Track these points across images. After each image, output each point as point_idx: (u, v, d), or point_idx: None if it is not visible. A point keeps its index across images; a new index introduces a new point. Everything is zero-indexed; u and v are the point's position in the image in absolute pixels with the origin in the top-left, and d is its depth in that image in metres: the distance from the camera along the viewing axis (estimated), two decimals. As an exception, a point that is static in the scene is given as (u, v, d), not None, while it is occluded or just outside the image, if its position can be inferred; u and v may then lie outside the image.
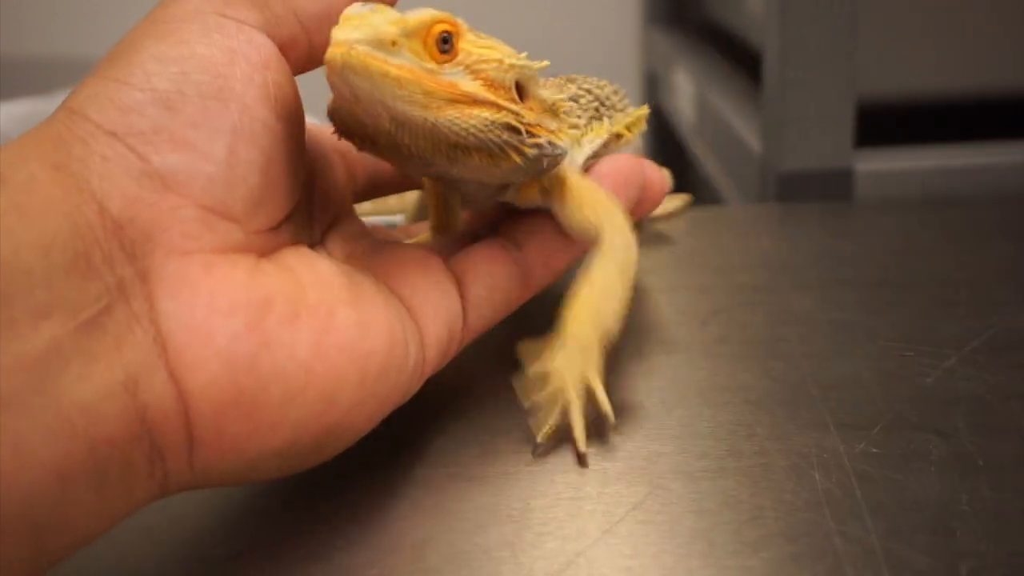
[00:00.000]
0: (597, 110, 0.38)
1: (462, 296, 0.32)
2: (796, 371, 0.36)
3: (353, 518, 0.29)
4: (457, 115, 0.28)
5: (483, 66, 0.29)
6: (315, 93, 0.33)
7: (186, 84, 0.26)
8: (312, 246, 0.31)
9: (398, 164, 0.32)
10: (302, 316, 0.26)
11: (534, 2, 1.23)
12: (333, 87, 0.28)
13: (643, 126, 0.40)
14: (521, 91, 0.31)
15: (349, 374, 0.27)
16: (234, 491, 0.30)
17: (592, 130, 0.37)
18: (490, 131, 0.29)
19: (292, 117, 0.29)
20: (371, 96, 0.28)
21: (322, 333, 0.26)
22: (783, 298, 0.43)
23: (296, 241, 0.30)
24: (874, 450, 0.30)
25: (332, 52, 0.27)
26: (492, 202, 0.35)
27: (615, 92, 0.40)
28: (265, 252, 0.28)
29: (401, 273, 0.31)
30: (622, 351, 0.38)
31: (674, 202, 0.53)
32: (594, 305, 0.31)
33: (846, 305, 0.42)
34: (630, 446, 0.31)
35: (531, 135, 0.30)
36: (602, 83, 0.39)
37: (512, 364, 0.33)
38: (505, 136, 0.29)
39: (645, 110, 0.40)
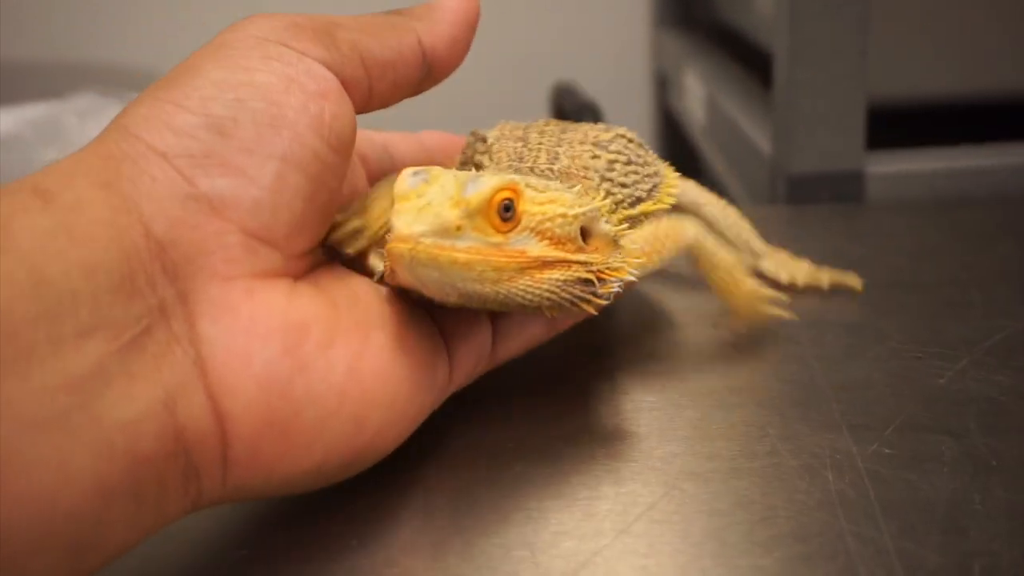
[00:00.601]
0: (637, 172, 0.35)
1: (492, 325, 0.33)
2: (807, 372, 0.36)
3: (369, 519, 0.29)
4: (529, 282, 0.28)
5: (548, 224, 0.28)
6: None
7: (241, 110, 0.26)
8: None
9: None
10: (338, 341, 0.27)
11: (545, 5, 1.23)
12: (397, 272, 0.28)
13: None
14: (584, 232, 0.30)
15: (380, 397, 0.28)
16: (240, 504, 0.31)
17: (643, 204, 0.35)
18: (563, 290, 0.29)
19: (343, 147, 0.29)
20: (440, 282, 0.27)
21: (356, 358, 0.27)
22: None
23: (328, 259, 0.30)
24: (886, 451, 0.30)
25: (398, 247, 0.27)
26: None
27: (634, 143, 0.37)
28: (301, 274, 0.28)
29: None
30: (634, 352, 0.38)
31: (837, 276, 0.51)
32: (739, 282, 0.37)
33: (856, 307, 0.42)
34: (644, 446, 0.32)
35: (603, 282, 0.30)
36: (612, 136, 0.36)
37: (522, 375, 0.33)
38: (577, 291, 0.29)
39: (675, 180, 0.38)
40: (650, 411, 0.34)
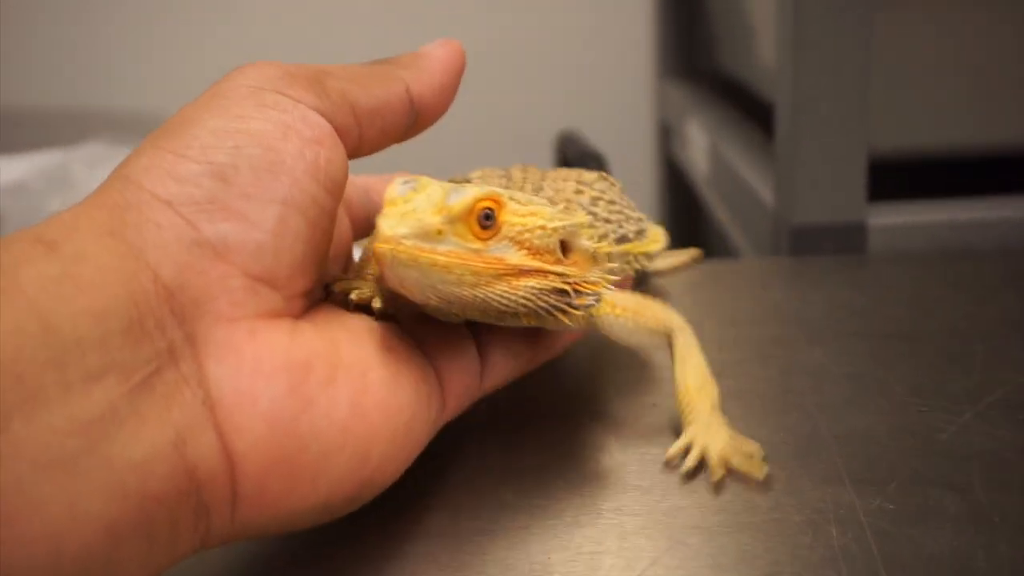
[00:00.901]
0: (621, 212, 0.38)
1: (481, 355, 0.34)
2: (810, 424, 0.36)
3: (370, 571, 0.29)
4: (506, 288, 0.29)
5: (527, 235, 0.30)
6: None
7: (240, 157, 0.27)
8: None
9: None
10: (339, 377, 0.27)
11: (550, 54, 1.25)
12: (383, 273, 0.29)
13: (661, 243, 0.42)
14: (564, 246, 0.31)
15: (382, 432, 0.28)
16: (247, 549, 0.31)
17: (630, 244, 0.38)
18: (539, 298, 0.30)
19: (337, 191, 0.30)
20: (420, 283, 0.29)
21: (358, 393, 0.28)
22: (796, 351, 0.43)
23: (320, 298, 0.31)
24: (890, 506, 0.31)
25: (381, 248, 0.28)
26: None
27: (615, 186, 0.40)
28: (300, 313, 0.29)
29: (426, 328, 0.32)
30: (637, 404, 0.38)
31: (681, 256, 0.54)
32: (704, 391, 0.34)
33: (859, 358, 0.42)
34: (648, 499, 0.32)
35: (579, 293, 0.31)
36: (596, 176, 0.39)
37: (523, 420, 0.33)
38: (552, 300, 0.30)
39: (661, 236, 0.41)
40: (654, 463, 0.34)
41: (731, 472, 0.33)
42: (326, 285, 0.32)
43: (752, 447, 0.33)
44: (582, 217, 0.32)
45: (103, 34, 1.24)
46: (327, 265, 0.30)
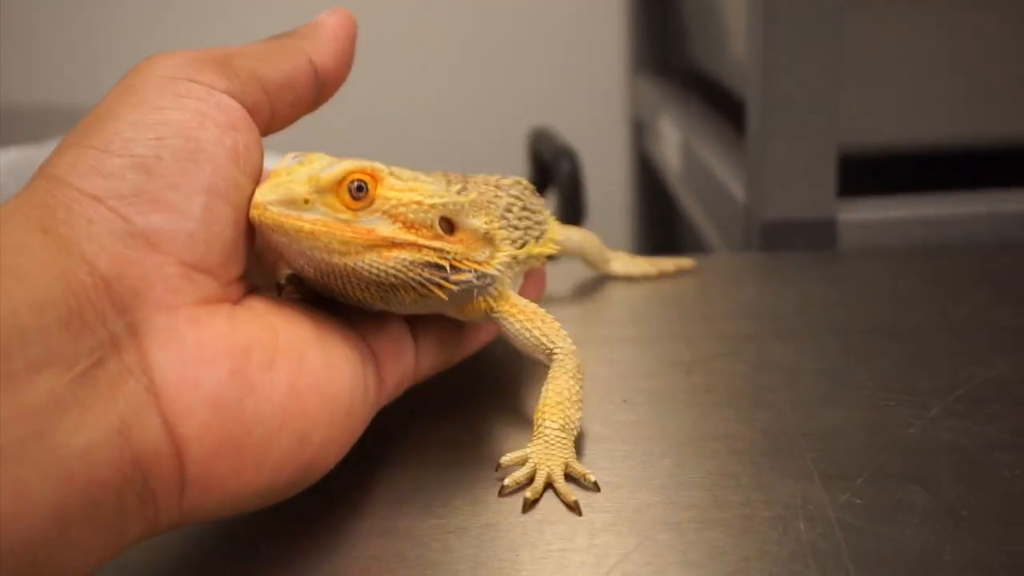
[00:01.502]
0: (530, 218, 0.39)
1: (416, 339, 0.35)
2: (781, 420, 0.36)
3: (338, 571, 0.29)
4: (375, 258, 0.30)
5: (401, 209, 0.31)
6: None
7: (162, 149, 0.28)
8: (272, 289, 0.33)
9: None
10: (278, 361, 0.28)
11: (521, 50, 1.25)
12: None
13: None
14: (451, 225, 0.32)
15: (321, 413, 0.29)
16: (210, 545, 0.31)
17: (528, 245, 0.38)
18: (410, 271, 0.31)
19: (256, 175, 0.31)
20: (290, 248, 0.30)
21: (296, 375, 0.28)
22: (768, 347, 0.43)
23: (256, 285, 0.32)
24: (858, 501, 0.31)
25: (252, 213, 0.29)
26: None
27: (529, 190, 0.40)
28: (237, 299, 0.30)
29: (364, 313, 0.33)
30: (608, 401, 0.38)
31: (668, 264, 0.53)
32: (560, 410, 0.34)
33: (830, 354, 0.42)
34: (618, 496, 0.32)
35: (456, 270, 0.32)
36: (512, 182, 0.40)
37: (491, 417, 0.33)
38: (426, 274, 0.31)
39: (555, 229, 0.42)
40: (624, 460, 0.34)
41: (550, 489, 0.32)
42: (278, 285, 0.33)
43: (584, 472, 0.32)
44: (467, 198, 0.33)
45: (79, 29, 1.23)
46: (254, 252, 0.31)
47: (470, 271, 0.32)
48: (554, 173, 0.92)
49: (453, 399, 0.39)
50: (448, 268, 0.31)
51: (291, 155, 0.31)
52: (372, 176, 0.30)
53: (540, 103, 1.23)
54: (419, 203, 0.31)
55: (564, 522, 0.30)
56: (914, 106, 0.65)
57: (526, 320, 0.35)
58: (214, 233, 0.28)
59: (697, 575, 0.28)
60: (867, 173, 0.63)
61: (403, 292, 0.31)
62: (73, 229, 0.26)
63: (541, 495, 0.32)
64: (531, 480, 0.32)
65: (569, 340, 0.35)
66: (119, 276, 0.26)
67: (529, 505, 0.31)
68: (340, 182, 0.30)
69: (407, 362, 0.34)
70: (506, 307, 0.35)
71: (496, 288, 0.35)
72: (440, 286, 0.31)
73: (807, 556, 0.28)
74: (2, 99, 1.11)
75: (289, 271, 0.33)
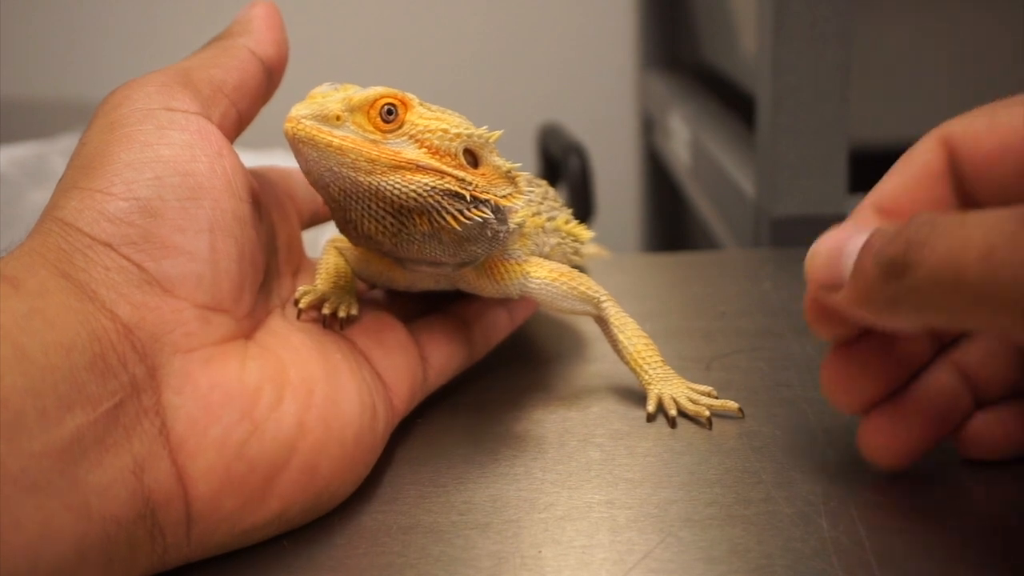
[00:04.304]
0: (552, 205, 0.40)
1: (423, 358, 0.36)
2: (799, 416, 0.36)
3: (361, 567, 0.29)
4: (399, 179, 0.31)
5: (428, 135, 0.32)
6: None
7: (163, 189, 0.29)
8: (283, 304, 0.34)
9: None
10: (286, 397, 0.29)
11: (532, 47, 1.24)
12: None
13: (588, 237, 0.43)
14: (476, 159, 0.33)
15: (329, 445, 0.30)
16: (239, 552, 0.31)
17: (556, 219, 0.40)
18: (430, 195, 0.31)
19: (248, 195, 0.31)
20: (319, 164, 0.31)
21: (304, 410, 0.29)
22: (784, 343, 0.43)
23: (269, 303, 0.33)
24: (880, 498, 0.31)
25: (286, 126, 0.30)
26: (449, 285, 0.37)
27: (541, 186, 0.41)
28: (251, 332, 0.31)
29: (371, 337, 0.34)
30: (629, 397, 0.38)
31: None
32: (646, 348, 0.37)
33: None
34: (640, 493, 0.32)
35: (475, 203, 0.32)
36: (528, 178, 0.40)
37: (506, 414, 0.33)
38: (446, 202, 0.32)
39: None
40: (645, 457, 0.34)
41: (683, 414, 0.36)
42: (295, 301, 0.34)
43: (704, 389, 0.37)
44: (495, 133, 0.34)
45: (85, 24, 1.23)
46: (261, 274, 0.32)
47: (488, 204, 0.33)
48: (564, 169, 0.92)
49: (473, 394, 0.39)
50: (467, 199, 0.32)
51: (327, 84, 0.32)
52: (403, 102, 0.32)
53: (550, 99, 1.23)
54: (445, 131, 0.32)
55: (586, 519, 0.31)
56: (925, 101, 0.65)
57: (567, 279, 0.37)
58: (222, 270, 0.29)
59: (720, 571, 0.28)
60: (878, 168, 0.63)
61: (419, 220, 0.32)
62: (91, 276, 0.27)
63: (675, 415, 0.36)
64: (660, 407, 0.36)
65: (602, 288, 0.37)
66: (138, 323, 0.27)
67: (672, 422, 0.36)
68: (372, 104, 0.31)
69: (415, 378, 0.35)
70: (543, 272, 0.36)
71: (509, 235, 0.35)
72: (455, 218, 0.32)
73: (830, 553, 0.28)
74: (9, 93, 1.11)
75: (304, 288, 0.34)
